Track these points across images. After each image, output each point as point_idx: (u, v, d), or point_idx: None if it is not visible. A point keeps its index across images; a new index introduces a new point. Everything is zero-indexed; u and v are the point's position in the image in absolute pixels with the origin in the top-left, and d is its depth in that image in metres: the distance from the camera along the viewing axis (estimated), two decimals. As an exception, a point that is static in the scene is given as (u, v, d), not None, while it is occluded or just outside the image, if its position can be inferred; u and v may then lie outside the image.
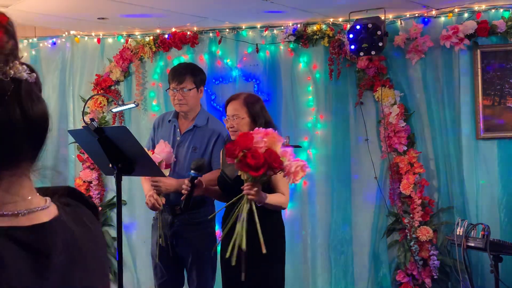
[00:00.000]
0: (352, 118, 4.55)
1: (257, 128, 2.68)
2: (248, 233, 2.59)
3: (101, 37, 4.90)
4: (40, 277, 0.80)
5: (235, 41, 4.72)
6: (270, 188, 2.85)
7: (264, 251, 2.55)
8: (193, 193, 2.88)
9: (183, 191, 2.88)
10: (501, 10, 4.22)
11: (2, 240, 0.77)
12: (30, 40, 4.97)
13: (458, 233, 3.62)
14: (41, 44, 4.98)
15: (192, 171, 2.87)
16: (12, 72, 0.80)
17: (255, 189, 2.60)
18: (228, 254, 2.57)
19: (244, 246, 2.54)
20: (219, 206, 3.42)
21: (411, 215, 4.30)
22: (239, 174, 2.68)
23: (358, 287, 4.52)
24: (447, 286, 4.28)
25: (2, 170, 0.82)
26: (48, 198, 0.90)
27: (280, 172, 2.57)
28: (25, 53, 4.96)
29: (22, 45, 4.98)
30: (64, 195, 0.96)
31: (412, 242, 4.28)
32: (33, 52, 4.97)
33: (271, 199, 2.75)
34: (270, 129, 2.64)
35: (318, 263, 4.58)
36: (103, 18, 4.38)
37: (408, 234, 4.30)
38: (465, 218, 3.99)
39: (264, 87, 4.67)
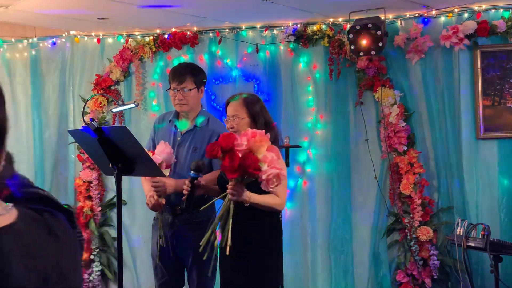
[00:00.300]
0: (352, 118, 4.55)
1: (250, 129, 2.68)
2: (244, 231, 2.63)
3: (101, 37, 4.90)
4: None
5: (235, 41, 4.72)
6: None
7: (227, 252, 2.62)
8: (194, 194, 2.88)
9: (184, 192, 2.89)
10: (501, 10, 4.22)
11: None
12: (30, 40, 4.97)
13: (458, 233, 3.62)
14: (41, 44, 4.98)
15: (191, 172, 2.87)
16: None
17: (237, 189, 2.64)
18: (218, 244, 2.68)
19: (228, 243, 2.61)
20: (219, 206, 3.43)
21: (411, 215, 4.30)
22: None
23: (358, 287, 4.52)
24: (447, 286, 4.28)
25: None
26: (9, 205, 0.88)
27: (257, 177, 2.59)
28: (25, 53, 4.97)
29: (22, 45, 4.99)
30: (36, 201, 0.94)
31: (412, 242, 4.28)
32: (33, 52, 4.97)
33: (259, 199, 2.75)
34: (260, 131, 2.64)
35: (318, 263, 4.58)
36: (103, 18, 4.38)
37: (408, 234, 4.30)
38: (465, 218, 3.99)
39: (264, 87, 4.67)
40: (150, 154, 3.04)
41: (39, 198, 0.96)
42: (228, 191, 2.67)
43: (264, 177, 2.55)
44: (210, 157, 2.65)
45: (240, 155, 2.54)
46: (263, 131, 2.66)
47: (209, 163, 3.23)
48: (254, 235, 2.84)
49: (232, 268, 2.92)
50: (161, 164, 3.05)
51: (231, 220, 2.66)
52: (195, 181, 2.87)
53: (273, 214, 2.93)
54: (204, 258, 2.75)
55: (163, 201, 3.21)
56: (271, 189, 2.61)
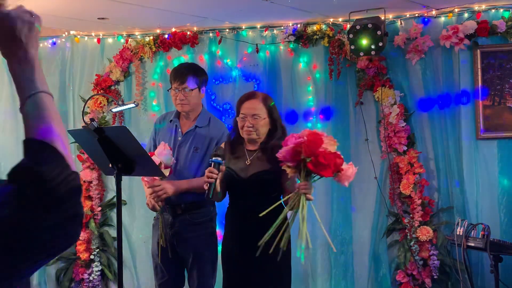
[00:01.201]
0: (352, 118, 4.55)
1: (317, 131, 2.65)
2: (256, 234, 2.61)
3: (101, 37, 4.90)
4: None
5: (235, 41, 4.72)
6: (281, 187, 2.89)
7: (284, 247, 2.58)
8: (217, 181, 2.77)
9: (208, 180, 2.74)
10: (501, 10, 4.22)
11: None
12: (30, 40, 4.96)
13: (458, 233, 3.62)
14: (41, 44, 4.97)
15: (215, 158, 2.76)
16: None
17: (310, 185, 2.62)
18: (271, 250, 2.57)
19: (310, 246, 2.63)
20: (219, 206, 3.43)
21: (411, 215, 4.30)
22: (265, 168, 2.80)
23: (358, 287, 4.52)
24: (447, 286, 4.28)
25: None
26: None
27: (336, 174, 2.60)
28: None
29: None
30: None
31: (412, 242, 4.28)
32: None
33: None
34: (321, 132, 2.64)
35: (318, 263, 4.58)
36: (103, 18, 4.39)
37: (408, 234, 4.30)
38: (465, 218, 3.99)
39: (264, 87, 4.67)
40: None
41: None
42: (302, 190, 2.60)
43: (349, 172, 2.63)
44: (306, 156, 2.55)
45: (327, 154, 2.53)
46: (322, 132, 2.66)
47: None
48: (273, 236, 2.79)
49: (241, 269, 2.90)
50: (159, 165, 3.04)
51: (306, 222, 2.61)
52: (220, 167, 2.78)
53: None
54: (278, 258, 2.62)
55: (163, 202, 3.21)
56: (347, 184, 2.68)
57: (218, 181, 2.78)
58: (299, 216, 2.62)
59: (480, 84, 4.23)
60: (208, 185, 2.75)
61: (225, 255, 3.06)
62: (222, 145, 3.13)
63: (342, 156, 2.62)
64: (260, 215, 2.67)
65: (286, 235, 2.58)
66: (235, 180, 2.94)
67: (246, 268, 2.88)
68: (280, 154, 2.58)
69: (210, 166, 2.77)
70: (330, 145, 2.58)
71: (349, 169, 2.63)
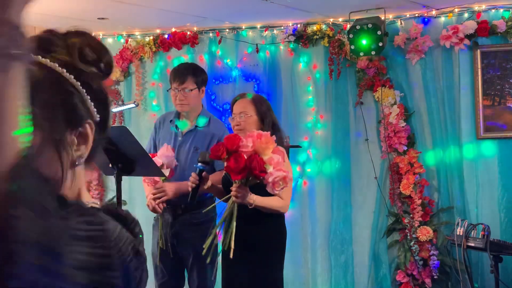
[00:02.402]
0: (352, 118, 4.55)
1: (255, 130, 2.67)
2: (247, 234, 2.62)
3: (101, 37, 4.90)
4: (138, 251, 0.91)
5: (235, 41, 4.72)
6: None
7: (231, 255, 2.60)
8: (200, 187, 2.85)
9: (190, 184, 2.85)
10: (501, 10, 4.22)
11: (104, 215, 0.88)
12: (30, 40, 4.97)
13: (458, 233, 3.62)
14: (41, 44, 4.97)
15: (199, 164, 2.83)
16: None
17: (241, 191, 2.62)
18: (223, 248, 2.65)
19: (232, 246, 2.60)
20: (220, 207, 3.43)
21: (411, 215, 4.30)
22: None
23: (358, 287, 4.52)
24: (447, 286, 4.28)
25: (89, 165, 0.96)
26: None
27: (262, 179, 2.57)
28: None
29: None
30: None
31: (412, 242, 4.28)
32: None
33: (263, 202, 2.73)
34: (266, 133, 2.63)
35: (318, 263, 4.58)
36: (103, 18, 4.38)
37: (408, 234, 4.30)
38: (465, 218, 3.99)
39: (264, 87, 4.67)
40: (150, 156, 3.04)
41: None
42: (232, 193, 2.65)
43: (270, 179, 2.52)
44: (215, 158, 2.64)
45: (245, 157, 2.52)
46: (269, 132, 2.65)
47: (212, 164, 3.23)
48: (257, 237, 2.83)
49: (235, 271, 2.91)
50: (161, 167, 3.04)
51: (234, 223, 2.65)
52: (203, 173, 2.84)
53: (277, 217, 2.91)
54: (208, 261, 2.74)
55: (164, 204, 3.21)
56: (276, 192, 2.59)
57: (202, 186, 2.86)
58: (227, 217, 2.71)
59: (480, 84, 4.23)
60: (191, 189, 2.84)
61: (224, 255, 3.06)
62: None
63: (279, 160, 2.56)
64: (204, 211, 2.86)
65: (229, 236, 2.66)
66: (229, 182, 2.96)
67: (244, 268, 2.88)
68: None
69: (195, 171, 2.85)
70: (260, 147, 2.54)
71: (271, 174, 2.52)
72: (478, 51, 4.22)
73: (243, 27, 4.69)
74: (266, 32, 4.67)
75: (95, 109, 0.94)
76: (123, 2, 3.86)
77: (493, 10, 4.22)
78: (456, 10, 4.28)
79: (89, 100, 0.93)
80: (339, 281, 4.54)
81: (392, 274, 4.42)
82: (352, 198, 4.56)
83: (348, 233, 4.55)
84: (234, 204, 2.68)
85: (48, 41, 0.92)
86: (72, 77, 0.91)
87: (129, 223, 0.94)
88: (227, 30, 4.72)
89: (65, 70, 0.92)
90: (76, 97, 0.91)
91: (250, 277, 2.86)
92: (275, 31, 4.66)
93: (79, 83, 0.92)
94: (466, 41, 4.18)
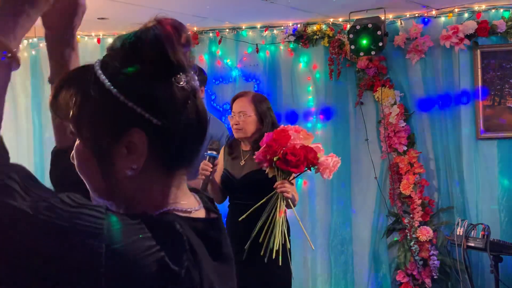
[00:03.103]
0: (352, 118, 4.55)
1: (290, 125, 2.66)
2: (260, 231, 2.61)
3: (101, 37, 4.90)
4: (216, 262, 0.88)
5: (235, 41, 4.72)
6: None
7: (288, 245, 2.61)
8: (212, 174, 2.79)
9: (204, 172, 2.76)
10: (501, 10, 4.22)
11: (188, 228, 0.83)
12: (30, 40, 4.97)
13: (458, 233, 3.62)
14: (41, 44, 4.97)
15: (210, 151, 2.77)
16: (193, 83, 0.88)
17: (292, 186, 2.59)
18: (262, 253, 2.58)
19: (288, 246, 2.60)
20: (220, 207, 3.43)
21: (411, 215, 4.30)
22: (255, 168, 2.68)
23: (358, 287, 4.52)
24: (447, 286, 4.28)
25: (177, 169, 0.89)
26: (195, 195, 0.97)
27: (314, 167, 2.57)
28: (25, 53, 4.97)
29: (22, 45, 4.98)
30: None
31: (412, 242, 4.28)
32: (33, 52, 4.97)
33: (294, 196, 2.75)
34: (298, 126, 2.63)
35: (318, 263, 4.58)
36: (103, 18, 4.39)
37: (408, 234, 4.30)
38: (465, 218, 3.99)
39: (264, 87, 4.67)
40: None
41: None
42: (280, 189, 2.58)
43: (331, 164, 2.55)
44: (272, 155, 2.53)
45: (298, 148, 2.52)
46: (298, 126, 2.65)
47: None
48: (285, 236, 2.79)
49: (244, 273, 2.90)
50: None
51: (285, 222, 2.60)
52: (215, 160, 2.79)
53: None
54: (265, 260, 2.59)
55: None
56: (330, 177, 2.60)
57: (213, 174, 2.81)
58: (276, 216, 2.60)
59: (480, 84, 4.23)
60: (204, 178, 2.77)
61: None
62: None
63: (322, 148, 2.58)
64: (240, 219, 2.69)
65: (273, 237, 2.57)
66: (230, 181, 2.95)
67: (246, 269, 2.87)
68: (256, 156, 2.58)
69: (206, 159, 2.79)
70: (304, 139, 2.55)
71: (327, 160, 2.56)
72: (478, 51, 4.22)
73: (243, 27, 4.69)
74: (266, 32, 4.67)
75: (149, 115, 0.83)
76: (123, 2, 3.86)
77: (493, 10, 4.22)
78: (456, 10, 4.28)
79: (135, 106, 0.83)
80: (339, 281, 4.54)
81: (392, 274, 4.42)
82: (352, 198, 4.56)
83: (348, 233, 4.55)
84: (284, 200, 2.61)
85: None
86: (107, 80, 0.84)
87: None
88: (227, 30, 4.72)
89: (100, 71, 0.86)
90: (112, 103, 0.83)
91: (259, 278, 2.85)
92: (275, 31, 4.66)
93: (112, 87, 0.84)
94: (466, 41, 4.19)
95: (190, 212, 0.90)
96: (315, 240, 4.60)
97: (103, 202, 0.88)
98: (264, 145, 2.55)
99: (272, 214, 2.61)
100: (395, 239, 4.43)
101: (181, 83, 0.86)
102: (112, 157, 0.85)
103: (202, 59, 4.75)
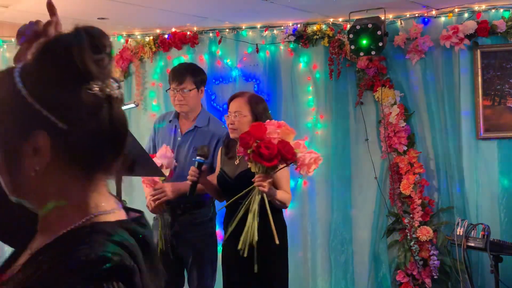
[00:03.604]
0: (352, 118, 4.55)
1: (275, 120, 2.67)
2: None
3: (101, 37, 4.90)
4: (151, 264, 0.94)
5: (235, 41, 4.72)
6: (273, 186, 2.85)
7: (277, 242, 2.56)
8: (200, 180, 2.84)
9: (189, 178, 2.85)
10: (501, 10, 4.22)
11: (122, 231, 0.88)
12: (30, 40, 4.97)
13: (458, 233, 3.62)
14: (41, 44, 4.97)
15: (198, 157, 2.84)
16: (108, 90, 0.89)
17: (268, 180, 2.60)
18: (240, 246, 2.58)
19: (256, 239, 2.56)
20: (219, 206, 3.43)
21: (411, 215, 4.30)
22: (249, 166, 2.67)
23: (358, 287, 4.52)
24: (447, 286, 4.28)
25: (94, 174, 0.93)
26: (114, 197, 1.00)
27: (293, 164, 2.57)
28: (25, 53, 4.98)
29: (22, 45, 4.97)
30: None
31: (412, 242, 4.28)
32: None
33: (279, 195, 2.75)
34: (282, 121, 2.64)
35: (318, 263, 4.58)
36: (103, 18, 4.38)
37: (408, 234, 4.30)
38: (465, 218, 3.99)
39: (264, 87, 4.67)
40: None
41: None
42: (256, 183, 2.60)
43: (307, 160, 2.53)
44: (245, 147, 2.58)
45: (275, 143, 2.52)
46: (283, 121, 2.65)
47: (211, 165, 3.22)
48: (262, 234, 2.81)
49: (240, 269, 2.90)
50: (160, 168, 3.04)
51: (257, 217, 2.60)
52: (202, 166, 2.83)
53: (278, 214, 2.91)
54: (245, 254, 2.63)
55: (164, 205, 3.21)
56: (309, 173, 2.58)
57: (202, 179, 2.85)
58: (252, 209, 2.62)
59: (480, 84, 4.23)
60: (191, 183, 2.83)
61: (224, 255, 3.06)
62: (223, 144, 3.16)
63: (304, 145, 2.57)
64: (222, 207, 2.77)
65: (251, 228, 2.60)
66: (225, 181, 2.96)
67: (245, 269, 2.87)
68: (238, 150, 2.60)
69: (194, 165, 2.83)
70: (284, 134, 2.55)
71: (304, 156, 2.55)
72: (478, 51, 4.22)
73: (243, 27, 4.69)
74: (266, 32, 4.67)
75: (54, 118, 0.85)
76: (123, 2, 3.86)
77: (493, 10, 4.22)
78: (456, 10, 4.28)
79: (42, 108, 0.85)
80: (339, 281, 4.54)
81: (392, 274, 4.42)
82: (352, 198, 4.56)
83: (348, 233, 4.55)
84: (262, 195, 2.62)
85: None
86: (20, 81, 0.86)
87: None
88: (227, 30, 4.72)
89: (17, 73, 0.88)
90: (21, 104, 0.85)
91: (254, 276, 2.85)
92: (275, 31, 4.66)
93: (24, 88, 0.85)
94: (466, 41, 4.18)
95: (110, 213, 0.92)
96: (315, 240, 4.60)
97: (15, 199, 0.91)
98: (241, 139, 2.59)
99: (248, 208, 2.65)
100: (395, 239, 4.43)
101: (93, 90, 0.87)
102: (20, 156, 0.87)
103: (202, 59, 4.75)
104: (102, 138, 0.89)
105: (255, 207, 2.63)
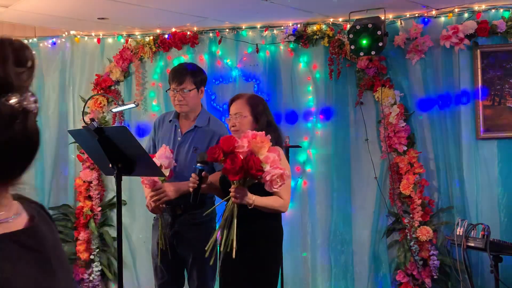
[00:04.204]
0: (352, 118, 4.55)
1: (250, 131, 2.67)
2: (242, 236, 2.63)
3: (101, 37, 4.90)
4: (48, 274, 0.92)
5: (235, 41, 4.72)
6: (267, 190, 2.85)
7: (233, 256, 2.59)
8: (201, 187, 2.86)
9: (190, 185, 2.85)
10: (501, 10, 4.22)
11: (9, 245, 0.88)
12: (30, 40, 4.97)
13: (458, 233, 3.62)
14: (41, 44, 4.98)
15: (198, 164, 2.84)
16: (25, 103, 0.89)
17: (239, 192, 2.62)
18: (222, 249, 2.63)
19: (234, 248, 2.58)
20: (220, 206, 3.43)
21: (411, 215, 4.30)
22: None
23: (358, 287, 4.52)
24: (447, 286, 4.28)
25: (1, 184, 0.92)
26: (19, 205, 0.99)
27: (259, 178, 2.57)
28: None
29: (22, 45, 4.97)
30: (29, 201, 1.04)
31: (412, 242, 4.28)
32: (33, 52, 4.96)
33: (262, 202, 2.73)
34: (261, 132, 2.63)
35: (318, 263, 4.58)
36: (103, 18, 4.39)
37: (408, 234, 4.30)
38: (465, 218, 3.99)
39: (264, 87, 4.67)
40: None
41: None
42: (231, 194, 2.65)
43: (268, 177, 2.53)
44: (212, 160, 2.65)
45: (241, 157, 2.53)
46: (263, 132, 2.65)
47: (211, 164, 3.22)
48: (252, 237, 2.82)
49: (232, 271, 2.90)
50: (160, 168, 3.04)
51: (235, 224, 2.64)
52: (202, 173, 2.85)
53: (274, 216, 2.91)
54: (211, 263, 2.74)
55: (163, 205, 3.21)
56: (275, 190, 2.59)
57: (203, 186, 2.86)
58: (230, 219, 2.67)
59: (480, 84, 4.23)
60: (192, 190, 2.84)
61: (221, 256, 3.06)
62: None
63: (274, 158, 2.57)
64: (204, 213, 2.77)
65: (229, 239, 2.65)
66: (227, 182, 2.95)
67: (241, 268, 2.87)
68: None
69: (195, 172, 2.85)
70: (257, 147, 2.55)
71: (271, 174, 2.53)
72: (478, 51, 4.22)
73: (243, 27, 4.69)
74: (266, 32, 4.67)
75: None
76: (123, 2, 3.86)
77: (493, 10, 4.22)
78: (456, 10, 4.28)
79: None
80: (339, 281, 4.54)
81: (392, 274, 4.42)
82: (352, 198, 4.56)
83: (348, 233, 4.55)
84: (234, 205, 2.68)
85: None
86: None
87: None
88: (227, 30, 4.72)
89: None
90: None
91: (246, 276, 2.85)
92: (275, 31, 4.66)
93: None
94: (466, 41, 4.19)
95: (6, 222, 0.92)
96: (315, 240, 4.60)
97: None
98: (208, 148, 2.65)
99: (226, 217, 2.70)
100: (395, 239, 4.43)
101: (10, 102, 0.87)
102: None
103: (202, 59, 4.76)
104: (13, 150, 0.90)
105: (225, 215, 2.70)
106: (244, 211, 2.70)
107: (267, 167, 2.54)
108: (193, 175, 2.86)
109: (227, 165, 2.52)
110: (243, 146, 2.54)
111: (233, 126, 2.96)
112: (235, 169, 2.51)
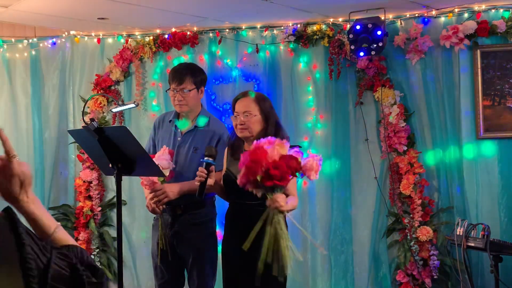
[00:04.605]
0: (352, 118, 4.55)
1: (262, 138, 2.62)
2: (257, 237, 2.59)
3: (101, 37, 4.90)
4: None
5: (235, 41, 4.72)
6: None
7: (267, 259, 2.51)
8: (207, 181, 2.82)
9: (198, 179, 2.81)
10: (501, 10, 4.22)
11: None
12: (30, 40, 4.97)
13: (458, 233, 3.62)
14: (41, 44, 4.98)
15: (206, 158, 2.81)
16: None
17: (282, 199, 2.55)
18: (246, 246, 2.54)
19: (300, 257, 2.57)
20: (219, 207, 3.43)
21: (411, 215, 4.30)
22: (254, 194, 2.57)
23: (358, 287, 4.52)
24: (447, 286, 4.28)
25: None
26: None
27: (299, 172, 2.56)
28: (25, 53, 4.97)
29: (22, 45, 4.99)
30: None
31: (412, 242, 4.28)
32: (33, 52, 4.97)
33: (291, 203, 2.71)
34: (270, 137, 2.61)
35: (318, 263, 4.58)
36: (103, 18, 4.39)
37: (408, 234, 4.30)
38: (465, 218, 3.99)
39: (264, 87, 4.67)
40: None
41: None
42: (273, 206, 2.53)
43: (314, 165, 2.57)
44: (254, 176, 2.49)
45: (284, 163, 2.48)
46: (271, 137, 2.63)
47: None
48: (258, 235, 2.79)
49: (240, 269, 2.89)
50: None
51: (285, 239, 2.55)
52: (210, 167, 2.82)
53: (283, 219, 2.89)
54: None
55: (164, 206, 3.21)
56: (314, 178, 2.59)
57: (210, 180, 2.82)
58: (279, 232, 2.54)
59: (480, 84, 4.23)
60: (199, 184, 2.80)
61: (224, 256, 3.05)
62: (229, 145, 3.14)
63: (299, 152, 2.58)
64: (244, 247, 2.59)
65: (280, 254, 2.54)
66: (231, 181, 2.94)
67: (245, 269, 2.87)
68: (239, 181, 2.55)
69: (202, 166, 2.81)
70: (280, 149, 2.52)
71: (308, 162, 2.56)
72: (478, 51, 4.22)
73: (243, 27, 4.69)
74: (266, 32, 4.67)
75: None
76: (123, 2, 3.86)
77: (493, 10, 4.22)
78: (456, 10, 4.28)
79: None
80: (339, 281, 4.54)
81: (392, 274, 4.42)
82: (352, 198, 4.56)
83: (348, 233, 4.55)
84: (278, 216, 2.56)
85: None
86: None
87: None
88: (227, 30, 4.72)
89: None
90: None
91: (253, 273, 2.84)
92: (275, 31, 4.66)
93: None
94: (466, 41, 4.19)
95: None
96: (315, 240, 4.60)
97: None
98: (244, 168, 2.49)
99: (274, 233, 2.54)
100: (395, 239, 4.43)
101: None
102: None
103: (202, 59, 4.76)
104: None
105: (281, 230, 2.55)
106: (255, 208, 2.67)
107: (302, 161, 2.56)
108: (200, 168, 2.81)
109: (274, 172, 2.41)
110: (274, 150, 2.51)
111: (241, 124, 2.92)
112: (283, 171, 2.44)
